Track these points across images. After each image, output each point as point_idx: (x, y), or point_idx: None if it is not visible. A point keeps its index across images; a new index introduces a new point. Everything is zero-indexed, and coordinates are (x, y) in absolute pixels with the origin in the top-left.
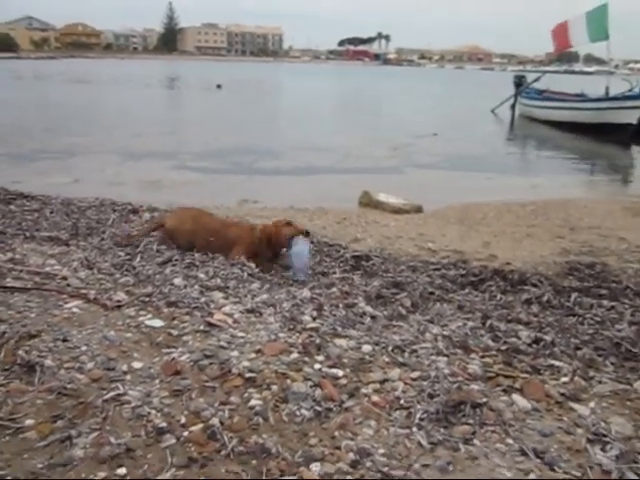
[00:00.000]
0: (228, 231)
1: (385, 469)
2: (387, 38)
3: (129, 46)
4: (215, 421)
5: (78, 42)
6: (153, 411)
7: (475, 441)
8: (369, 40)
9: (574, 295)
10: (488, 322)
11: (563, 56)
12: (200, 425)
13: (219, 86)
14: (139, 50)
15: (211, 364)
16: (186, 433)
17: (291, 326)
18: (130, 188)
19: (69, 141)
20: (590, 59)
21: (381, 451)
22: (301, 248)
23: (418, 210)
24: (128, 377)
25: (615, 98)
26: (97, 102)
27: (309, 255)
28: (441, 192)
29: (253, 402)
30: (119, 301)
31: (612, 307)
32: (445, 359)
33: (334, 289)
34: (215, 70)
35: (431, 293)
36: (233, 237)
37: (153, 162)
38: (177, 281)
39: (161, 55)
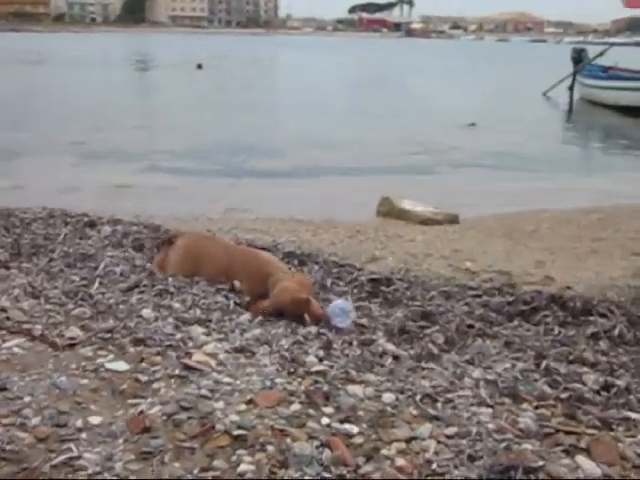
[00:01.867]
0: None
1: None
2: (410, 3)
3: (85, 17)
4: None
5: (21, 12)
6: (115, 479)
7: None
8: (388, 6)
9: None
10: (544, 363)
11: (635, 23)
12: None
13: (200, 66)
14: (98, 22)
15: (189, 418)
16: None
17: (291, 369)
18: (87, 195)
19: (10, 137)
20: None
21: None
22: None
23: (453, 220)
24: (84, 435)
25: None
26: (47, 88)
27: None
28: (481, 197)
29: (243, 467)
30: (72, 338)
31: None
32: (489, 410)
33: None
34: (194, 45)
35: (470, 326)
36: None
37: (117, 163)
38: (146, 312)
39: (126, 28)
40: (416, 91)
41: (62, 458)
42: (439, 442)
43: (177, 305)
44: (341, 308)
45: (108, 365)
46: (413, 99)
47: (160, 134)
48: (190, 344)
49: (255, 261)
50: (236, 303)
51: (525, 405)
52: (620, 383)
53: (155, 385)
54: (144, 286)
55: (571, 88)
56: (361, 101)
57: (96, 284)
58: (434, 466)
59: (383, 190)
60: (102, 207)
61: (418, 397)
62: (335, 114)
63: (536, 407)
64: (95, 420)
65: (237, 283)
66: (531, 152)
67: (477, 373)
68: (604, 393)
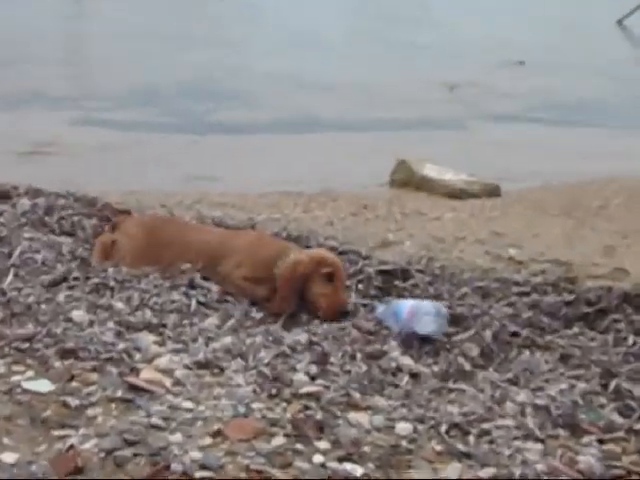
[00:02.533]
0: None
1: None
2: None
3: None
4: None
5: None
6: None
7: None
8: None
9: None
10: (613, 383)
11: None
12: None
13: None
14: None
15: (136, 456)
16: None
17: (274, 391)
18: None
19: None
20: None
21: None
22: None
23: (492, 193)
24: None
25: None
26: None
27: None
28: (531, 162)
29: None
30: None
31: None
32: (539, 446)
33: (348, 326)
34: None
35: (514, 334)
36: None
37: (39, 113)
38: (77, 315)
39: None
40: (444, 16)
41: None
42: None
43: (120, 305)
44: (435, 307)
45: (26, 385)
46: (441, 27)
47: (96, 73)
48: (137, 357)
49: (259, 241)
50: (199, 302)
51: (587, 439)
52: None
53: (90, 412)
54: (75, 279)
55: None
56: (370, 28)
57: (10, 277)
58: None
59: (399, 151)
60: (17, 173)
61: (443, 428)
62: (333, 47)
63: (601, 441)
64: (9, 458)
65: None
66: (600, 100)
67: (523, 396)
68: None
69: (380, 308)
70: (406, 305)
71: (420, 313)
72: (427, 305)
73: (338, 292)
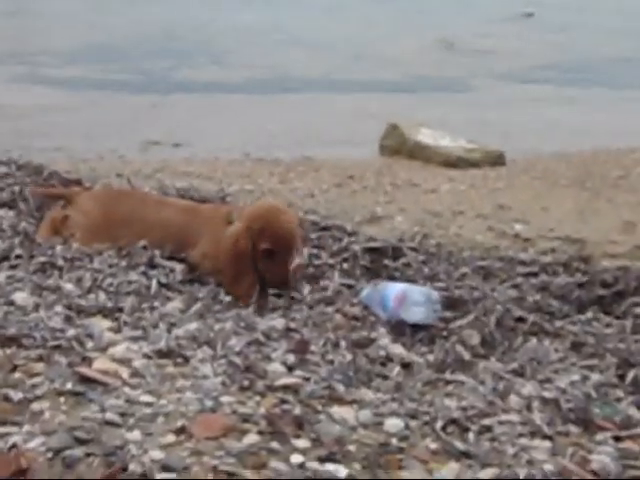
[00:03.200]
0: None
1: None
2: None
3: None
4: None
5: None
6: None
7: None
8: None
9: None
10: (630, 374)
11: None
12: None
13: None
14: None
15: (88, 456)
16: None
17: (246, 383)
18: None
19: None
20: None
21: None
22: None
23: (496, 161)
24: None
25: None
26: None
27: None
28: (540, 126)
29: None
30: None
31: None
32: (547, 444)
33: (331, 311)
34: None
35: (520, 319)
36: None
37: None
38: (20, 297)
39: None
40: None
41: None
42: None
43: (69, 286)
44: (424, 293)
45: None
46: None
47: (42, 23)
48: (89, 345)
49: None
50: (161, 283)
51: (601, 436)
52: None
53: (35, 406)
54: (17, 257)
55: None
56: None
57: None
58: None
59: (389, 114)
60: None
61: (439, 424)
62: None
63: (617, 438)
64: None
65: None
66: (618, 57)
67: (529, 389)
68: None
69: (365, 291)
70: (394, 290)
71: (409, 300)
72: (416, 291)
73: (280, 266)
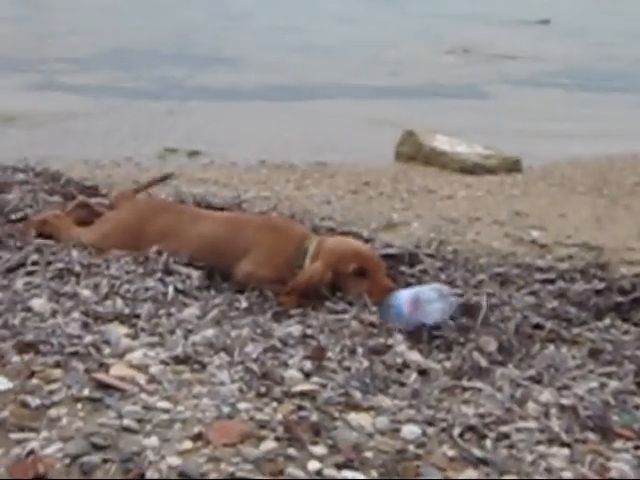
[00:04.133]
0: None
1: None
2: None
3: None
4: None
5: None
6: None
7: None
8: None
9: None
10: None
11: None
12: None
13: None
14: None
15: (106, 462)
16: None
17: (263, 389)
18: None
19: None
20: None
21: None
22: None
23: (513, 168)
24: None
25: None
26: None
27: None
28: (557, 133)
29: None
30: None
31: None
32: (565, 451)
33: (347, 318)
34: None
35: (537, 326)
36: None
37: None
38: (38, 304)
39: None
40: None
41: None
42: None
43: (86, 293)
44: (435, 290)
45: None
46: None
47: (60, 32)
48: (107, 351)
49: (272, 224)
50: (178, 290)
51: (620, 444)
52: None
53: (53, 412)
54: (34, 264)
55: None
56: None
57: None
58: None
59: (405, 120)
60: None
61: (456, 431)
62: (327, 2)
63: (637, 447)
64: None
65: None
66: (635, 63)
67: (547, 396)
68: None
69: (379, 310)
70: (404, 297)
71: (422, 302)
72: (426, 290)
73: (376, 284)
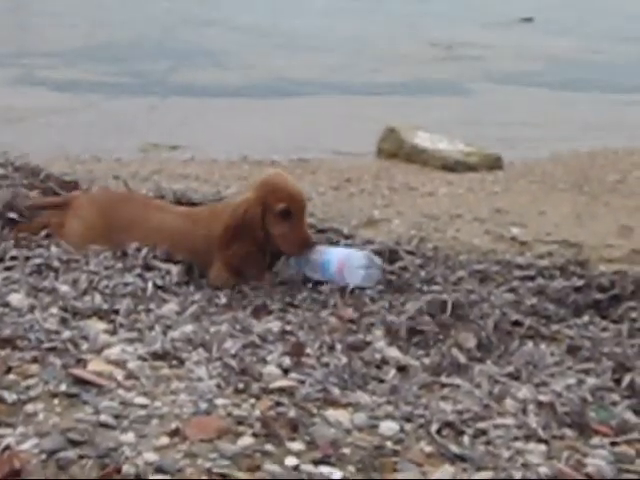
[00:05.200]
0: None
1: None
2: None
3: None
4: None
5: None
6: None
7: None
8: None
9: None
10: (626, 378)
11: None
12: None
13: None
14: None
15: (82, 458)
16: None
17: (241, 385)
18: None
19: None
20: None
21: None
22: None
23: (493, 165)
24: None
25: None
26: None
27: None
28: (538, 130)
29: None
30: None
31: None
32: (542, 447)
33: (325, 315)
34: None
35: (516, 323)
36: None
37: None
38: (16, 299)
39: None
40: None
41: None
42: None
43: (65, 288)
44: (367, 256)
45: None
46: None
47: (40, 25)
48: (84, 346)
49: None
50: (157, 286)
51: (597, 440)
52: None
53: (29, 408)
54: (13, 259)
55: None
56: None
57: None
58: None
59: (387, 117)
60: None
61: (434, 427)
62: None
63: (613, 443)
64: None
65: None
66: (617, 62)
67: (525, 392)
68: None
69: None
70: (335, 255)
71: (353, 264)
72: (359, 254)
73: (297, 231)
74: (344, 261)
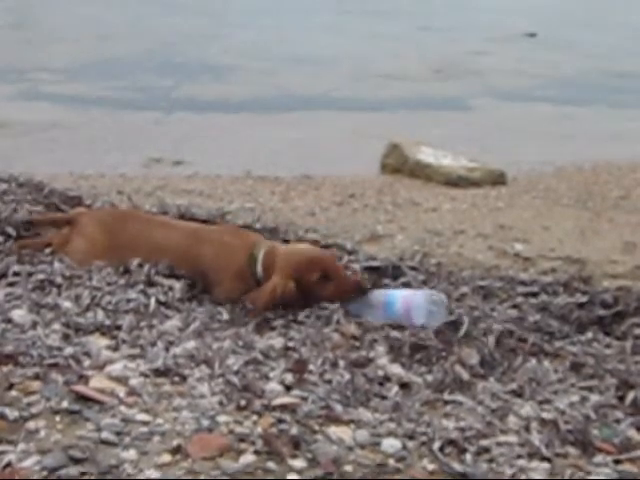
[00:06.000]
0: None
1: None
2: None
3: None
4: None
5: None
6: None
7: None
8: None
9: None
10: (630, 395)
11: None
12: None
13: None
14: None
15: (84, 475)
16: None
17: (243, 402)
18: None
19: None
20: None
21: None
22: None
23: (497, 180)
24: None
25: None
26: None
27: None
28: (541, 145)
29: None
30: None
31: None
32: (545, 465)
33: (329, 331)
34: None
35: (520, 340)
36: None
37: None
38: (18, 315)
39: None
40: None
41: None
42: None
43: (67, 304)
44: (430, 295)
45: None
46: None
47: (43, 40)
48: (86, 363)
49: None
50: (159, 302)
51: (600, 458)
52: None
53: (30, 425)
54: (15, 274)
55: None
56: None
57: None
58: None
59: (391, 133)
60: None
61: (437, 445)
62: (316, 16)
63: (617, 461)
64: None
65: None
66: (621, 77)
67: (528, 410)
68: None
69: (352, 305)
70: (399, 295)
71: (418, 303)
72: (423, 294)
73: (342, 283)
74: (409, 301)
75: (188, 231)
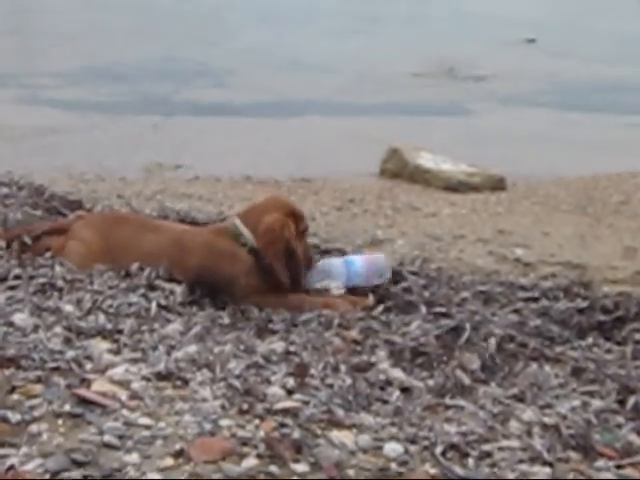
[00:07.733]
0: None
1: None
2: None
3: None
4: None
5: None
6: None
7: None
8: None
9: None
10: (631, 400)
11: None
12: None
13: None
14: None
15: (86, 478)
16: None
17: (245, 406)
18: None
19: None
20: None
21: None
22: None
23: (497, 185)
24: None
25: None
26: None
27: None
28: (541, 151)
29: None
30: None
31: None
32: (547, 470)
33: (330, 335)
34: None
35: (521, 345)
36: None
37: None
38: (20, 318)
39: None
40: None
41: None
42: None
43: (69, 308)
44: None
45: None
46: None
47: (43, 45)
48: (88, 366)
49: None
50: (161, 305)
51: (602, 462)
52: None
53: (33, 428)
54: (17, 278)
55: None
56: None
57: None
58: None
59: (390, 137)
60: None
61: (439, 449)
62: (316, 21)
63: (618, 466)
64: None
65: None
66: (620, 83)
67: (529, 414)
68: None
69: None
70: (359, 259)
71: (376, 265)
72: (380, 257)
73: (306, 246)
74: (370, 263)
75: (178, 234)
